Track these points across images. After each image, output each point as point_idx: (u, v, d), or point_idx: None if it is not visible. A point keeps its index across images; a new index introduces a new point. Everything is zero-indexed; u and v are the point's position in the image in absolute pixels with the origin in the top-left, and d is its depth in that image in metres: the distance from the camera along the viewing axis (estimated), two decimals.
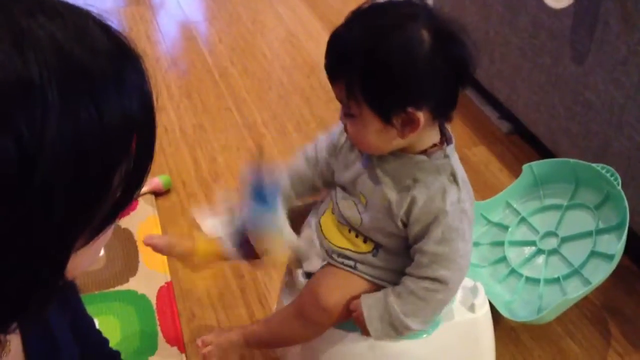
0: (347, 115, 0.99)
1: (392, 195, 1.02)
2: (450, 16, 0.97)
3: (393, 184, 1.02)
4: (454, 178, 1.01)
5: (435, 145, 1.02)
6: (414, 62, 0.92)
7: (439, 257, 1.01)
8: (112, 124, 0.50)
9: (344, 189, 1.10)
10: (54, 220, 0.49)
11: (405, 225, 1.03)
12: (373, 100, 0.94)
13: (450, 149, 1.03)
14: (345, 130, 1.03)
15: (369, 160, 1.05)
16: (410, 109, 0.94)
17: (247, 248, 1.12)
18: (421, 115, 0.94)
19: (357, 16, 0.98)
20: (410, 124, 0.95)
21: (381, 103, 0.95)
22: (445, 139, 1.04)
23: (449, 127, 1.05)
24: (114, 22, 0.56)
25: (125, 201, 0.56)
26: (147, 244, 1.23)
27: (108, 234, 0.58)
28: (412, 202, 1.00)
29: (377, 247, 1.08)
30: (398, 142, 0.99)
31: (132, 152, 0.53)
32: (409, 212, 1.01)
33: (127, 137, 0.53)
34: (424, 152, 1.01)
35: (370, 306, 1.04)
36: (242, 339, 1.17)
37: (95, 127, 0.49)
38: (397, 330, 1.04)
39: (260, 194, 1.06)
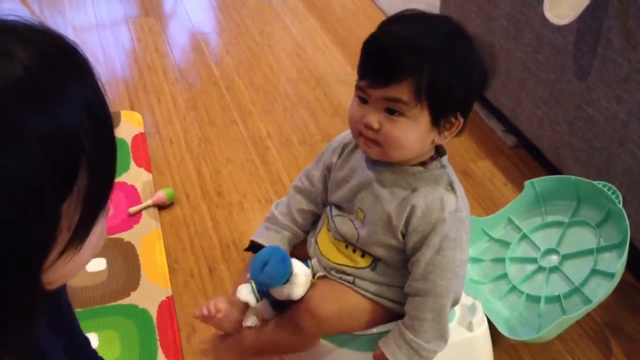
0: (392, 115, 0.98)
1: (392, 208, 1.03)
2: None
3: (392, 197, 1.03)
4: (451, 187, 1.03)
5: (432, 157, 1.04)
6: (473, 66, 0.99)
7: (436, 268, 1.01)
8: (51, 142, 0.48)
9: (338, 207, 1.11)
10: (12, 243, 0.48)
11: (404, 236, 1.04)
12: (437, 98, 0.96)
13: (445, 160, 1.05)
14: (369, 140, 1.01)
15: (366, 176, 1.06)
16: (459, 112, 0.99)
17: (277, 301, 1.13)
18: (461, 121, 1.00)
19: (407, 19, 1.00)
20: (450, 128, 1.01)
21: (443, 102, 0.97)
22: (439, 151, 1.06)
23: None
24: (44, 21, 0.54)
25: (88, 222, 0.55)
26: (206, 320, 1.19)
27: (94, 240, 0.58)
28: (412, 211, 1.02)
29: (376, 261, 1.08)
30: (427, 148, 1.03)
31: (87, 164, 0.51)
32: (408, 221, 1.02)
33: (74, 153, 0.50)
34: (421, 164, 1.03)
35: (394, 352, 1.05)
36: (235, 344, 1.17)
37: (35, 151, 0.47)
38: (427, 358, 1.05)
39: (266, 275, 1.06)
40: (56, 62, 0.51)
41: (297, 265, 1.07)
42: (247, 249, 1.11)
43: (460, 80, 0.97)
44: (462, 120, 0.99)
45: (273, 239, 1.17)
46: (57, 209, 0.51)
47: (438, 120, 0.98)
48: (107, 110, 0.54)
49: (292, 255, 1.18)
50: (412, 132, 0.98)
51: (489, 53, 1.06)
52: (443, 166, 1.04)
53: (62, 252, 0.54)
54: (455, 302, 1.06)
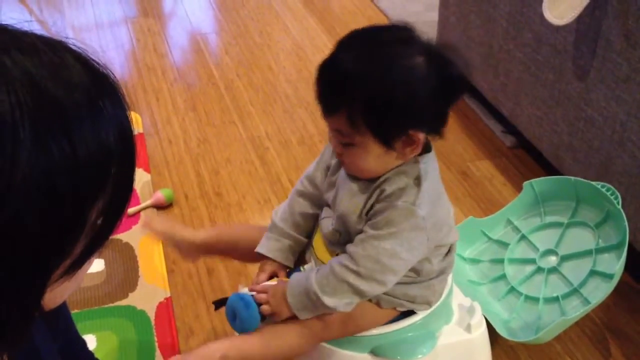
0: (345, 145, 0.99)
1: (363, 198, 1.03)
2: (437, 38, 1.00)
3: (364, 188, 1.04)
4: (417, 182, 1.01)
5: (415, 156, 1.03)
6: (414, 86, 0.95)
7: (366, 240, 1.01)
8: (88, 158, 0.50)
9: (328, 207, 1.11)
10: (27, 254, 0.49)
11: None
12: (376, 126, 0.95)
13: (426, 157, 1.03)
14: (341, 159, 1.04)
15: (345, 175, 1.06)
16: (411, 132, 0.96)
17: None
18: (421, 136, 0.97)
19: (349, 45, 0.97)
20: (411, 145, 0.98)
21: (384, 129, 0.96)
22: (425, 150, 1.05)
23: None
24: (95, 55, 0.56)
25: (104, 234, 0.56)
26: (146, 227, 1.23)
27: (87, 266, 0.59)
28: (380, 194, 1.02)
29: None
30: (395, 164, 1.01)
31: (110, 185, 0.54)
32: (374, 202, 1.02)
33: (104, 171, 0.53)
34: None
35: (294, 276, 1.07)
36: (219, 352, 1.07)
37: (69, 162, 0.49)
38: (309, 297, 1.03)
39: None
40: (106, 85, 0.55)
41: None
42: (216, 308, 1.14)
43: (402, 101, 0.94)
44: (421, 136, 0.98)
45: (273, 248, 1.16)
46: (87, 213, 0.52)
47: (388, 143, 0.97)
48: (134, 142, 0.57)
49: (297, 262, 1.18)
50: (366, 158, 0.99)
51: (461, 60, 1.01)
52: (416, 162, 1.03)
53: (62, 274, 0.54)
54: (362, 285, 1.01)
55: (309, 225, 1.18)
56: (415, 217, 1.00)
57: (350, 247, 1.03)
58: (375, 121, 0.95)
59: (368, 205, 1.03)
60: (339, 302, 1.02)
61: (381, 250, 1.00)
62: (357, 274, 1.01)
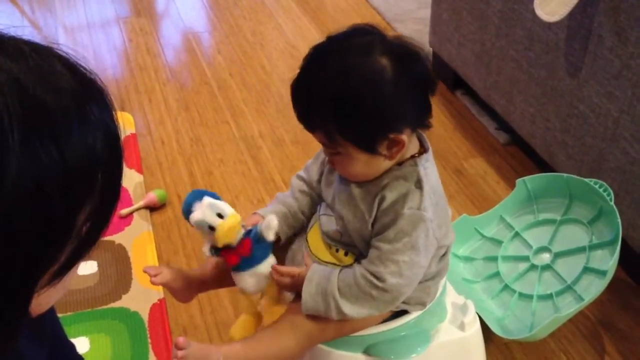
0: (333, 154, 1.01)
1: (364, 205, 1.04)
2: (399, 34, 1.00)
3: (365, 194, 1.04)
4: (419, 185, 1.02)
5: (413, 156, 1.03)
6: (381, 92, 0.95)
7: (384, 256, 1.01)
8: (75, 163, 0.50)
9: (327, 205, 1.12)
10: (15, 260, 0.49)
11: (373, 225, 1.04)
12: (354, 138, 0.96)
13: (424, 158, 1.04)
14: (333, 167, 1.06)
15: (343, 179, 1.06)
16: (392, 135, 0.96)
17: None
18: (404, 136, 0.97)
19: (314, 62, 0.98)
20: (396, 146, 0.98)
21: (362, 138, 0.97)
22: (423, 149, 1.06)
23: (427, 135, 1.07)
24: (82, 59, 0.56)
25: (91, 240, 0.56)
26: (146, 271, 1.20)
27: (74, 272, 0.58)
28: (380, 202, 1.02)
29: (358, 258, 1.08)
30: (387, 164, 1.02)
31: (97, 191, 0.53)
32: (377, 212, 1.03)
33: (92, 176, 0.53)
34: (399, 163, 1.03)
35: (315, 270, 1.06)
36: (217, 354, 1.06)
37: (58, 167, 0.49)
38: (326, 301, 1.03)
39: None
40: (93, 91, 0.55)
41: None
42: None
43: (371, 111, 0.95)
44: (404, 136, 0.98)
45: (268, 210, 1.17)
46: (75, 218, 0.52)
47: (372, 150, 0.97)
48: (121, 147, 0.57)
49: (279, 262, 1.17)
50: (353, 165, 1.00)
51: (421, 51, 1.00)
52: (415, 164, 1.03)
53: (49, 281, 0.54)
54: (388, 298, 1.02)
55: (307, 204, 1.19)
56: (424, 221, 1.00)
57: (371, 267, 1.02)
58: (351, 134, 0.96)
59: (372, 215, 1.03)
60: (358, 311, 1.03)
61: (402, 265, 1.01)
62: (383, 290, 1.02)
